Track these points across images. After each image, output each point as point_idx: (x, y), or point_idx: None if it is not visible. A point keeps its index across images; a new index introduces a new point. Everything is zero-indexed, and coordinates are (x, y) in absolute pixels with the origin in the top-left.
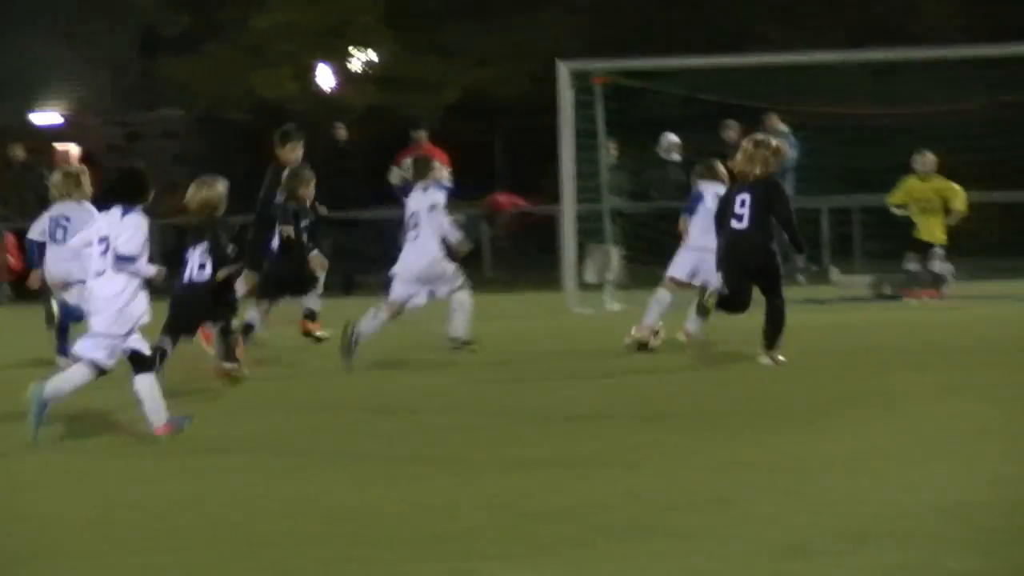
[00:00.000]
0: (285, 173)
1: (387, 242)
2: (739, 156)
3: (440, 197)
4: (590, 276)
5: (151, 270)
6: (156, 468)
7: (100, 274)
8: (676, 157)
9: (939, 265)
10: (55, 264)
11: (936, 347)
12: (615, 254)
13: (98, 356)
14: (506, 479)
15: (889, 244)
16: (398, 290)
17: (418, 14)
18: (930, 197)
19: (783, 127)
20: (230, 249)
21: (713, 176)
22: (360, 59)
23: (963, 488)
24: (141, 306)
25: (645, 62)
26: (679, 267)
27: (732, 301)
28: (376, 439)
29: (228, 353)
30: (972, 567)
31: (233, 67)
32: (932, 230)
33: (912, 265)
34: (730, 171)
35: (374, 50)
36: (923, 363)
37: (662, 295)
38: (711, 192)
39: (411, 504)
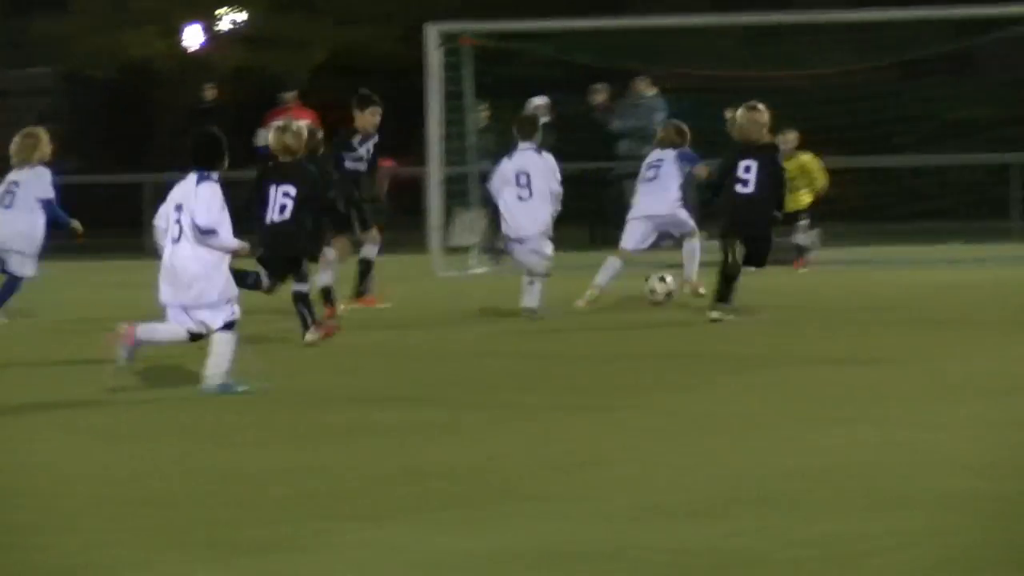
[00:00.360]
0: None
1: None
2: (741, 123)
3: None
4: (457, 239)
5: (234, 243)
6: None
7: (176, 241)
8: (545, 119)
9: (802, 237)
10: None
11: (828, 311)
12: (483, 217)
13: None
14: (358, 443)
15: None
16: (516, 249)
17: None
18: (794, 175)
19: (651, 91)
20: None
21: (681, 141)
22: (228, 18)
23: (826, 452)
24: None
25: (513, 24)
26: (631, 239)
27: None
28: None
29: (308, 321)
30: (829, 530)
31: (102, 25)
32: (796, 200)
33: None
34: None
35: (242, 9)
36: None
37: (612, 262)
38: (671, 158)
39: (258, 468)
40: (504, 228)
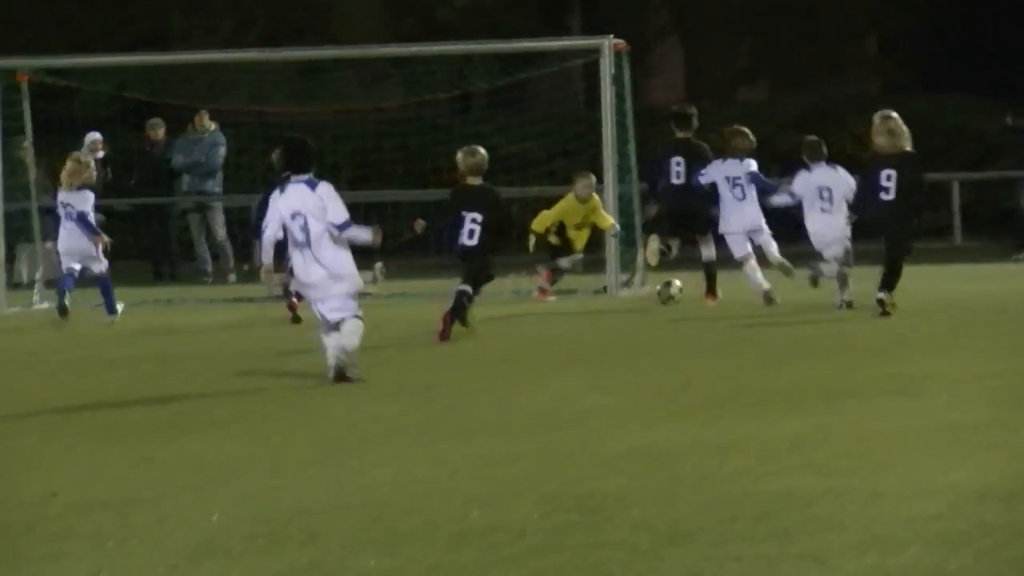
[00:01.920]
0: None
1: None
2: (879, 133)
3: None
4: (23, 275)
5: (366, 234)
6: None
7: (306, 246)
8: (100, 154)
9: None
10: None
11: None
12: (45, 252)
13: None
14: None
15: None
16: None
17: None
18: (583, 218)
19: (212, 125)
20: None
21: (751, 147)
22: None
23: (370, 487)
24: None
25: (65, 59)
26: (740, 248)
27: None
28: None
29: (460, 318)
30: (384, 565)
31: None
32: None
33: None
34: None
35: None
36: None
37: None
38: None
39: None
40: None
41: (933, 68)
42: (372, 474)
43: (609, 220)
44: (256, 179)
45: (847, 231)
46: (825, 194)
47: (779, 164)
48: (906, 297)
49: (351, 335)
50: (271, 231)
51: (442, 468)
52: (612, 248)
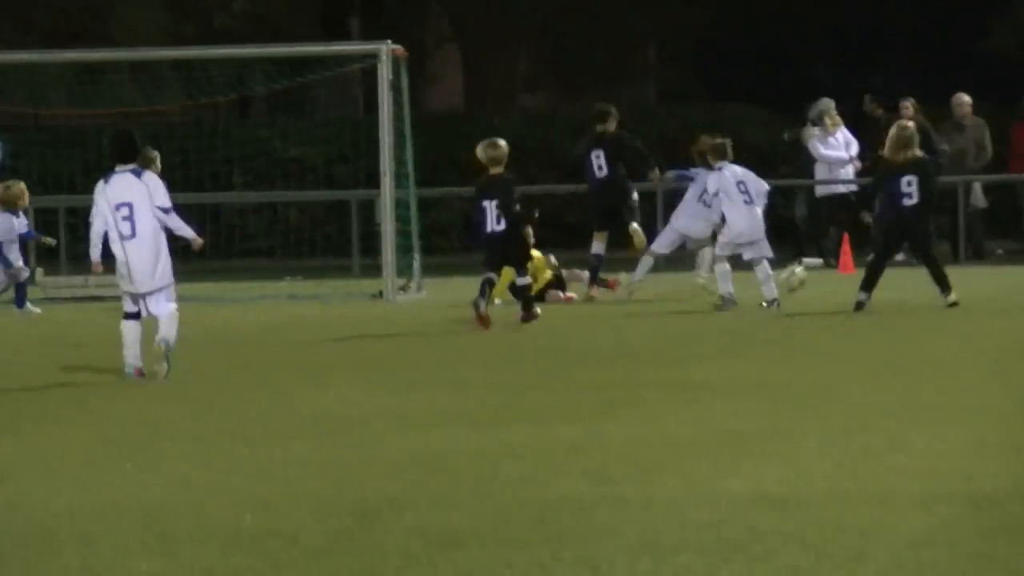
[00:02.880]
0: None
1: None
2: (900, 144)
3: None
4: None
5: (189, 232)
6: None
7: (131, 237)
8: None
9: None
10: None
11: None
12: None
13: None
14: None
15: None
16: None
17: None
18: None
19: None
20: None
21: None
22: None
23: (144, 489)
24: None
25: None
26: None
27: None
28: None
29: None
30: (157, 568)
31: None
32: None
33: None
34: None
35: None
36: None
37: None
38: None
39: None
40: None
41: (712, 77)
42: (147, 476)
43: None
44: (34, 182)
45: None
46: (742, 187)
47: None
48: (687, 303)
49: (170, 327)
50: (98, 225)
51: (218, 471)
52: (389, 253)
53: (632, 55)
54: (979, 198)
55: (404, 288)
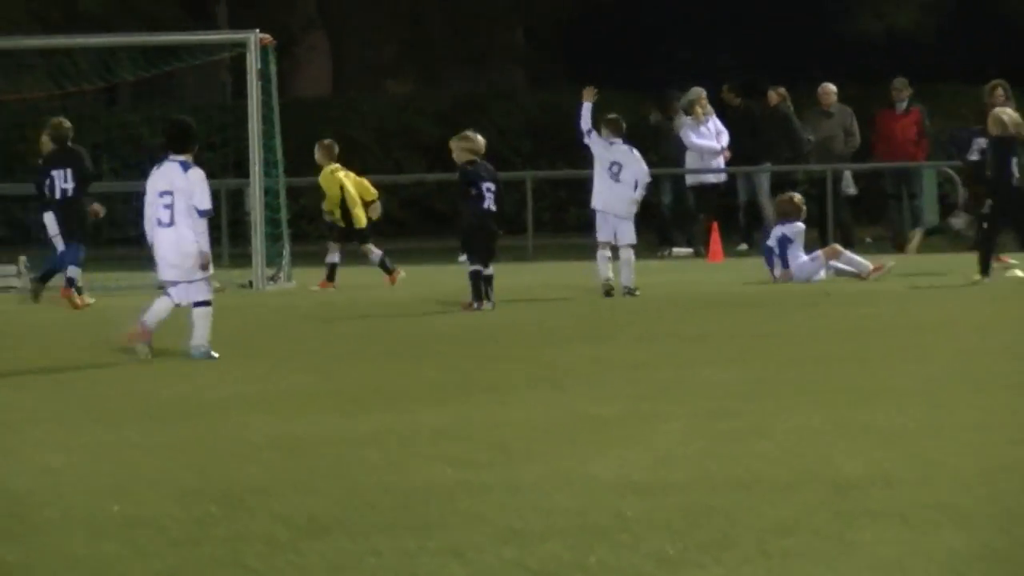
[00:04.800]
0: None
1: None
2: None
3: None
4: None
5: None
6: None
7: (169, 224)
8: None
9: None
10: None
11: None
12: None
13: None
14: None
15: None
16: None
17: None
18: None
19: None
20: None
21: None
22: None
23: (6, 477)
24: None
25: None
26: None
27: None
28: None
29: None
30: (17, 559)
31: None
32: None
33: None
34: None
35: None
36: None
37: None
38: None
39: None
40: None
41: (580, 60)
42: (8, 463)
43: None
44: None
45: (632, 209)
46: (615, 168)
47: (423, 156)
48: (558, 289)
49: (201, 330)
50: (150, 211)
51: (80, 457)
52: (258, 242)
53: (500, 40)
54: (849, 184)
55: (274, 278)
